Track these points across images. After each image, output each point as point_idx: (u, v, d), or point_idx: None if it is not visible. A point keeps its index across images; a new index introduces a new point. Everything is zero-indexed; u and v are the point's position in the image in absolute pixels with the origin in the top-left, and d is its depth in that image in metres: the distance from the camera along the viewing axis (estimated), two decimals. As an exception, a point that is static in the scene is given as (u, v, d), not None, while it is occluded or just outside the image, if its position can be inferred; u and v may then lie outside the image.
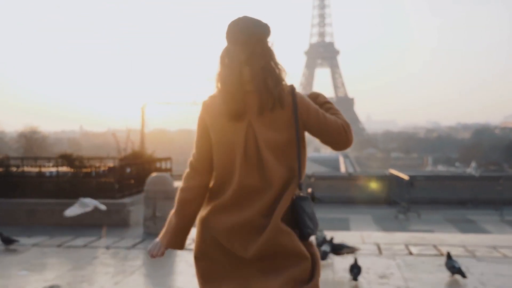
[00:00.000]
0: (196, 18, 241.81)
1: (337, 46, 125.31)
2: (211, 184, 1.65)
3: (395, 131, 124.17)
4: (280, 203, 1.57)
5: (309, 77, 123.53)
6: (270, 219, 1.54)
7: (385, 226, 8.16)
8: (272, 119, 1.62)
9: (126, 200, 5.10)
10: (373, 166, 63.82)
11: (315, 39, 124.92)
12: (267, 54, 1.65)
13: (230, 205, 1.59)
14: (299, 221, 1.60)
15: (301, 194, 1.62)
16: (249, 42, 1.64)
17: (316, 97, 1.76)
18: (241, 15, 1.68)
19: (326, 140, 1.66)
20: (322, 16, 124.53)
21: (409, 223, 8.71)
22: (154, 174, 4.81)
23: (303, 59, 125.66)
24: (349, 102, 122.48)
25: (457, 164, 79.58)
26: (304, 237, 1.59)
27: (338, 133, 1.64)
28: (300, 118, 1.63)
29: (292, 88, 1.66)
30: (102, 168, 5.45)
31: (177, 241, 1.67)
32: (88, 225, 4.90)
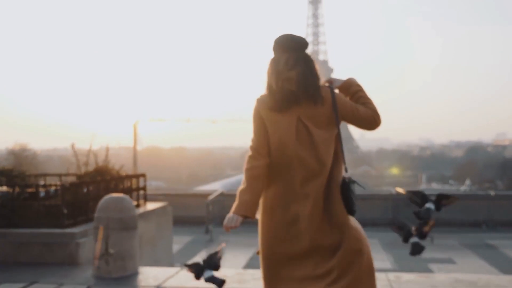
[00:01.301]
0: (189, 34, 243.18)
1: (331, 64, 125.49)
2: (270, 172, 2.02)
3: (389, 149, 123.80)
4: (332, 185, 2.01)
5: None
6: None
7: (397, 253, 7.07)
8: (315, 115, 2.01)
9: (76, 229, 3.87)
10: (368, 183, 62.81)
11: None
12: (310, 60, 2.08)
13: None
14: (348, 200, 1.99)
15: (348, 176, 2.01)
16: (295, 49, 2.07)
17: (349, 87, 2.14)
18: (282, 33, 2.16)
19: (359, 127, 2.11)
20: (316, 35, 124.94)
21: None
22: (109, 196, 3.54)
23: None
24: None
25: (451, 181, 79.07)
26: (351, 214, 2.01)
27: (368, 122, 2.09)
28: (339, 114, 2.04)
29: (331, 88, 2.08)
30: (54, 187, 4.34)
31: (253, 211, 2.00)
32: (23, 263, 3.79)
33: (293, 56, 2.04)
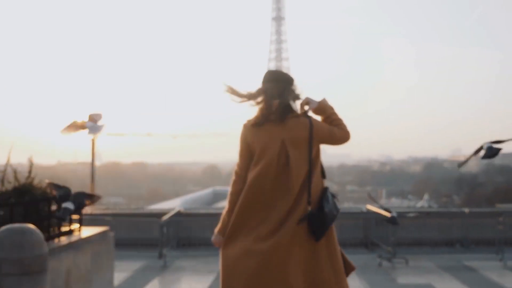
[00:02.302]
0: (148, 47, 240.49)
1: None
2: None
3: (349, 164, 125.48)
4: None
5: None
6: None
7: (371, 279, 6.40)
8: (296, 138, 2.37)
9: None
10: (330, 199, 62.78)
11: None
12: (292, 91, 2.46)
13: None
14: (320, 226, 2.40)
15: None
16: (281, 81, 2.44)
17: (324, 110, 2.51)
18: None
19: (334, 145, 2.53)
20: (279, 51, 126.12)
21: (397, 273, 6.97)
22: (5, 228, 2.60)
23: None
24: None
25: (410, 196, 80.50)
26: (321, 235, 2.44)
27: (342, 141, 2.52)
28: (316, 136, 2.40)
29: (305, 112, 2.48)
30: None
31: None
32: None
33: (280, 86, 2.41)
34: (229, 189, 2.40)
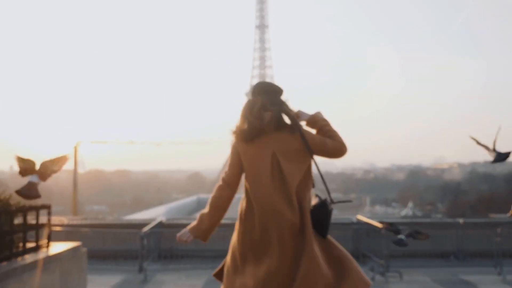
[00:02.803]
0: (130, 54, 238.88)
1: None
2: (243, 204, 2.32)
3: (334, 172, 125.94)
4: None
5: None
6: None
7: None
8: (288, 150, 2.32)
9: None
10: (315, 207, 62.73)
11: (255, 81, 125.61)
12: (283, 103, 2.41)
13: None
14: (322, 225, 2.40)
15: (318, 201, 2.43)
16: (271, 93, 2.42)
17: (316, 121, 2.46)
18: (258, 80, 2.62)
19: (328, 157, 2.42)
20: (262, 59, 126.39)
21: (391, 287, 6.60)
22: None
23: (244, 101, 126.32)
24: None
25: (394, 204, 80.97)
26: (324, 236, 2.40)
27: (336, 153, 2.42)
28: (306, 148, 2.34)
29: (298, 123, 2.40)
30: None
31: (206, 236, 2.36)
32: None
33: (268, 98, 2.38)
34: (212, 192, 2.36)
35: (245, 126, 2.35)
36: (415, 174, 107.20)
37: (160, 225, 8.63)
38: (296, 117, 2.44)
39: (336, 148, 2.40)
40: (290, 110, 2.43)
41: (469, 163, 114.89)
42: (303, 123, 2.49)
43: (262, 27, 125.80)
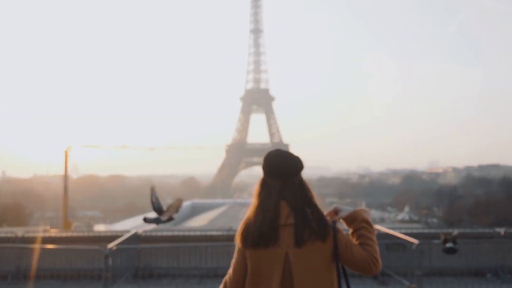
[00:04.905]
0: (122, 57, 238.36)
1: (272, 93, 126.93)
2: None
3: (329, 177, 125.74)
4: None
5: (244, 123, 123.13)
6: None
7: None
8: (309, 252, 1.83)
9: None
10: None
11: (250, 85, 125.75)
12: (304, 187, 1.95)
13: None
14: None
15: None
16: (287, 176, 1.92)
17: (354, 220, 1.98)
18: (275, 148, 2.03)
19: (352, 268, 1.92)
20: (257, 63, 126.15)
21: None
22: None
23: (239, 105, 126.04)
24: (284, 147, 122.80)
25: (389, 208, 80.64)
26: None
27: (363, 266, 1.89)
28: (338, 254, 1.87)
29: (333, 222, 1.91)
30: None
31: None
32: None
33: (286, 183, 1.93)
34: None
35: (255, 226, 1.89)
36: (410, 179, 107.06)
37: (135, 238, 7.31)
38: (332, 214, 1.99)
39: (362, 260, 1.90)
40: (312, 196, 1.96)
41: (463, 167, 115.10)
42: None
43: (256, 31, 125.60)
